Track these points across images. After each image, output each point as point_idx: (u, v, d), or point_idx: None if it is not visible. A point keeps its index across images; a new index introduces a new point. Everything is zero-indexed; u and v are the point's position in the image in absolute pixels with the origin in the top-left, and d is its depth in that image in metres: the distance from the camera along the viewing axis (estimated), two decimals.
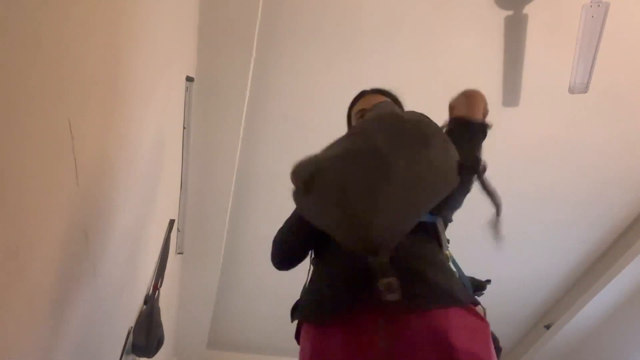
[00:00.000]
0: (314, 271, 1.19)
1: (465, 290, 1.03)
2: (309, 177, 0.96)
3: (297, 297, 1.20)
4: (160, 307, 1.80)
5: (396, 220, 0.90)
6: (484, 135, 1.17)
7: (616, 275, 3.20)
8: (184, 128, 2.21)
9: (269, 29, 2.33)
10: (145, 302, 1.78)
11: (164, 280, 1.95)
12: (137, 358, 1.67)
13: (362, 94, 1.44)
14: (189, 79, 2.12)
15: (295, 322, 1.14)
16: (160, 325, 1.72)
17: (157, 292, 1.83)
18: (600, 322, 3.52)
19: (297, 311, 1.15)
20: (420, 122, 1.01)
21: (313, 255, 1.24)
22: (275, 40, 2.39)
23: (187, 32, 2.00)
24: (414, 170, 0.91)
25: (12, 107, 0.60)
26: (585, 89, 2.29)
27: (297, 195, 1.01)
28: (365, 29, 2.38)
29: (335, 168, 0.93)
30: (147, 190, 1.59)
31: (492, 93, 2.56)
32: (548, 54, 2.43)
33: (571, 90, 2.31)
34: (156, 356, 1.72)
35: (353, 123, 1.42)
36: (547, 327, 3.63)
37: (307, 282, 1.19)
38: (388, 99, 1.37)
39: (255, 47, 2.24)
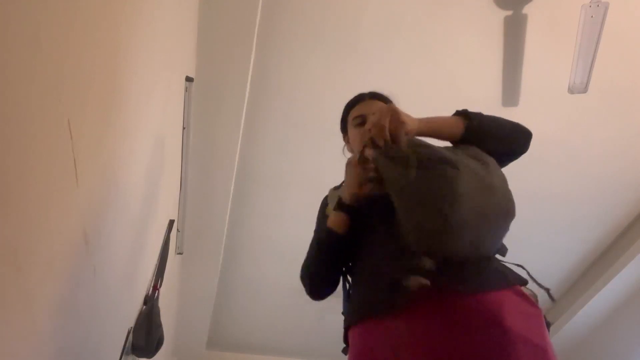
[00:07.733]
0: (352, 284, 1.21)
1: (512, 272, 1.07)
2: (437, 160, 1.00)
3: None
4: (160, 307, 1.80)
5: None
6: (469, 118, 1.18)
7: (616, 275, 3.20)
8: (184, 128, 2.21)
9: (269, 29, 2.33)
10: (145, 302, 1.78)
11: (164, 280, 1.95)
12: (137, 358, 1.67)
13: (361, 98, 1.41)
14: (189, 79, 2.12)
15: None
16: (160, 325, 1.72)
17: (156, 293, 1.82)
18: (600, 322, 3.52)
19: (350, 315, 1.15)
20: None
21: (350, 279, 1.25)
22: (275, 40, 2.39)
23: (187, 32, 2.00)
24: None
25: (12, 107, 0.60)
26: (584, 89, 2.29)
27: (405, 164, 1.01)
28: (365, 29, 2.38)
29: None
30: (147, 190, 1.59)
31: (491, 93, 2.58)
32: (547, 54, 2.43)
33: (570, 90, 2.31)
34: (156, 356, 1.72)
35: (350, 127, 1.39)
36: (547, 327, 3.63)
37: (350, 292, 1.21)
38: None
39: (255, 47, 2.24)
